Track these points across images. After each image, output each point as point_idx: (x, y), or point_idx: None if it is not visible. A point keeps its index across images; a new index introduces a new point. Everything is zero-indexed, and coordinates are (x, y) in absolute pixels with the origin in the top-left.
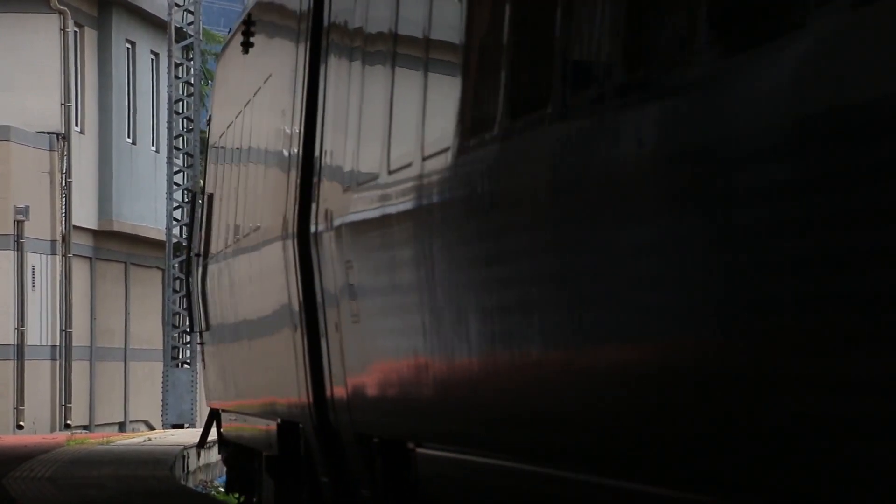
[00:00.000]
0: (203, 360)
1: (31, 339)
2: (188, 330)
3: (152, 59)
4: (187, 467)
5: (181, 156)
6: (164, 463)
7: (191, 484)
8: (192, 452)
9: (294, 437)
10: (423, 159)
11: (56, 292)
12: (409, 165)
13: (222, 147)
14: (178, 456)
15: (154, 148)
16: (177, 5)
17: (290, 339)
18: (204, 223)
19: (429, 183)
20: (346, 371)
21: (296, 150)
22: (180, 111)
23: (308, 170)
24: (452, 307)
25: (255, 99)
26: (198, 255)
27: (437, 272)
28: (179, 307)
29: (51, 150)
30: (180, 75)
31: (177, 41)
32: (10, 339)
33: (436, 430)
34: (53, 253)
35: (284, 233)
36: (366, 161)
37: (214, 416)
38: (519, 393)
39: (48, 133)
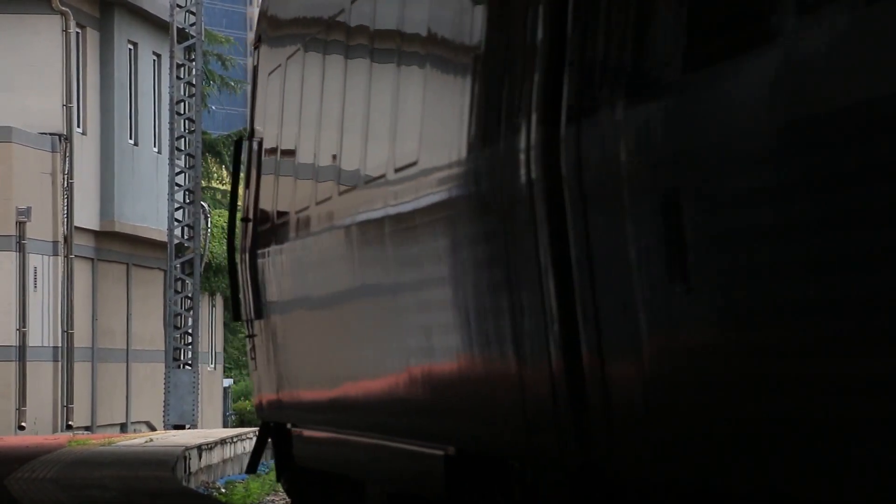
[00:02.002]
0: (252, 356)
1: (33, 340)
2: (233, 318)
3: (154, 60)
4: (189, 468)
5: (183, 157)
6: (166, 464)
7: (193, 485)
8: (194, 453)
9: (480, 474)
10: None
11: (58, 293)
12: None
13: (312, 58)
14: (180, 457)
15: (156, 149)
16: (179, 6)
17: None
18: (255, 179)
19: None
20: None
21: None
22: (182, 112)
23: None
24: None
25: None
26: (247, 221)
27: None
28: (181, 308)
29: (52, 150)
30: (182, 76)
31: (179, 42)
32: (12, 340)
33: None
34: (55, 254)
35: (506, 165)
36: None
37: (270, 431)
38: None
39: (50, 134)
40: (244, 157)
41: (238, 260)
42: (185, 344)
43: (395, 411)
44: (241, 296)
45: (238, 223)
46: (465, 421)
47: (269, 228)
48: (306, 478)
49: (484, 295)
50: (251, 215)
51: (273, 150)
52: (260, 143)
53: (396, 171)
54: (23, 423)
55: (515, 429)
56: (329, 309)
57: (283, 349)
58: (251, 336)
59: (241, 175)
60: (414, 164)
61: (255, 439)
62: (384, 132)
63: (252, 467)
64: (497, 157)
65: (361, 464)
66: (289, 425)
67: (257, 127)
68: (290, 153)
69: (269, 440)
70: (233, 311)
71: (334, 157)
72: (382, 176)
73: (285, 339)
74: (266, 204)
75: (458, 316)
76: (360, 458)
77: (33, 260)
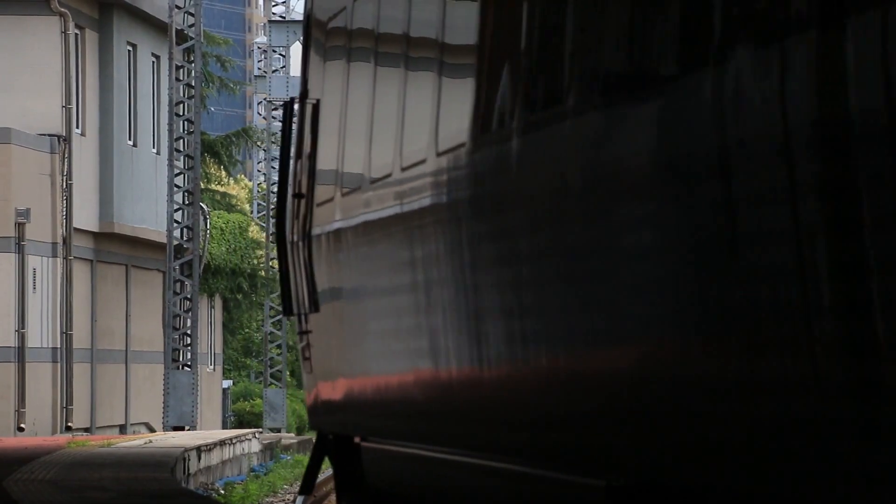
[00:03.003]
0: (307, 355)
1: (32, 341)
2: (282, 312)
3: (153, 62)
4: (188, 469)
5: (182, 158)
6: (165, 465)
7: (192, 486)
8: (193, 455)
9: None
10: None
11: (57, 294)
12: None
13: None
14: (179, 458)
15: (155, 150)
16: (178, 7)
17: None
18: (310, 146)
19: None
20: None
21: None
22: (181, 113)
23: None
24: None
25: None
26: (300, 197)
27: None
28: (180, 309)
29: (52, 152)
30: (181, 77)
31: (178, 43)
32: (11, 341)
33: None
34: (54, 255)
35: None
36: None
37: (329, 445)
38: None
39: (49, 135)
40: (291, 129)
41: (289, 244)
42: (184, 345)
43: (528, 428)
44: (292, 286)
45: (289, 202)
46: (639, 444)
47: (331, 204)
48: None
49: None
50: (306, 190)
51: (337, 109)
52: (317, 104)
53: (529, 116)
54: (22, 425)
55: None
56: (427, 297)
57: (356, 346)
58: (305, 332)
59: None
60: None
61: (254, 440)
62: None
63: (307, 488)
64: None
65: (472, 493)
66: (357, 438)
67: (313, 85)
68: (362, 110)
69: (326, 456)
70: (283, 303)
71: (430, 108)
72: (506, 125)
73: (359, 335)
74: (327, 175)
75: (639, 307)
76: (469, 485)
77: (32, 261)
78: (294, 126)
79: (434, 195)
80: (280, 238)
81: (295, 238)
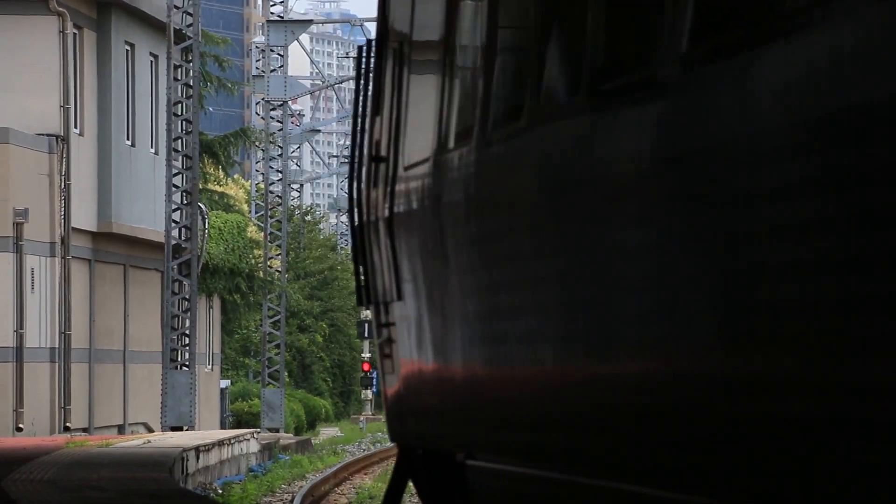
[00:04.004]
0: (387, 352)
1: (31, 341)
2: (357, 303)
3: (151, 61)
4: (186, 469)
5: (180, 158)
6: (164, 465)
7: (190, 486)
8: (191, 455)
9: None
10: None
11: (55, 294)
12: None
13: None
14: (178, 458)
15: (153, 150)
16: (176, 7)
17: None
18: (393, 99)
19: None
20: None
21: None
22: (179, 113)
23: None
24: None
25: None
26: (379, 161)
27: None
28: (178, 309)
29: (50, 152)
30: (179, 77)
31: (176, 43)
32: (10, 341)
33: None
34: (52, 255)
35: None
36: None
37: (417, 465)
38: None
39: (47, 135)
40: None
41: (364, 218)
42: (182, 345)
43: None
44: (369, 270)
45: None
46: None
47: (427, 166)
48: None
49: None
50: (389, 152)
51: (431, 49)
52: (400, 47)
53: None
54: (20, 425)
55: None
56: (589, 282)
57: (467, 341)
58: (386, 325)
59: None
60: None
61: (252, 441)
62: None
63: None
64: None
65: None
66: (460, 455)
67: (396, 24)
68: (470, 49)
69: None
70: (357, 291)
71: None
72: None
73: (472, 328)
74: (420, 132)
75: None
76: None
77: (31, 261)
78: (370, 76)
79: (576, 149)
80: (352, 215)
81: (372, 212)
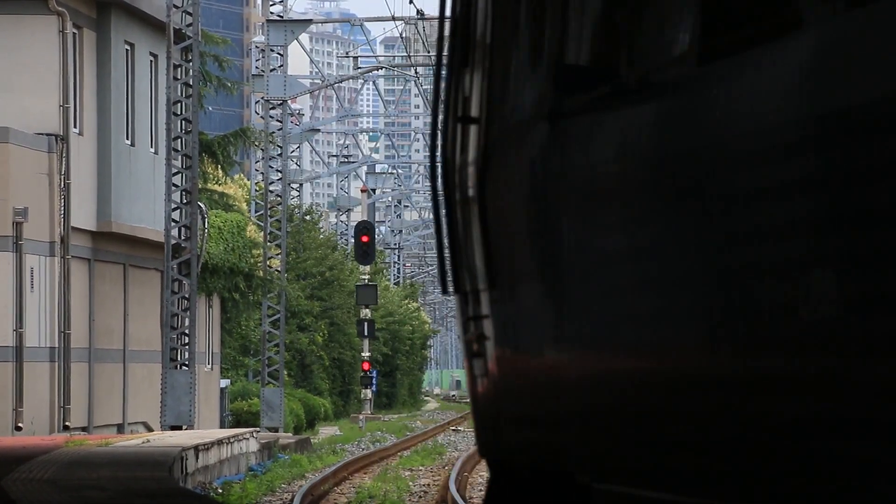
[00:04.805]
0: (477, 349)
1: (30, 340)
2: (443, 291)
3: (151, 61)
4: (186, 469)
5: (180, 157)
6: (163, 464)
7: (189, 485)
8: (191, 454)
9: None
10: None
11: (55, 294)
12: None
13: None
14: (177, 457)
15: (152, 149)
16: (175, 7)
17: None
18: (488, 45)
19: None
20: None
21: None
22: (179, 113)
23: None
24: None
25: None
26: (469, 122)
27: None
28: (178, 308)
29: (49, 151)
30: (179, 77)
31: (175, 43)
32: (9, 340)
33: None
34: (52, 254)
35: None
36: None
37: (523, 488)
38: None
39: (47, 135)
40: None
41: (454, 192)
42: (181, 344)
43: None
44: (457, 252)
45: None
46: None
47: (537, 128)
48: None
49: None
50: (482, 111)
51: None
52: None
53: None
54: (20, 424)
55: None
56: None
57: (597, 336)
58: (477, 318)
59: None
60: None
61: (251, 440)
62: None
63: None
64: None
65: None
66: (583, 476)
67: None
68: None
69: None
70: (440, 278)
71: None
72: None
73: (606, 321)
74: (528, 84)
75: None
76: None
77: (30, 260)
78: (455, 16)
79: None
80: (434, 186)
81: (460, 183)
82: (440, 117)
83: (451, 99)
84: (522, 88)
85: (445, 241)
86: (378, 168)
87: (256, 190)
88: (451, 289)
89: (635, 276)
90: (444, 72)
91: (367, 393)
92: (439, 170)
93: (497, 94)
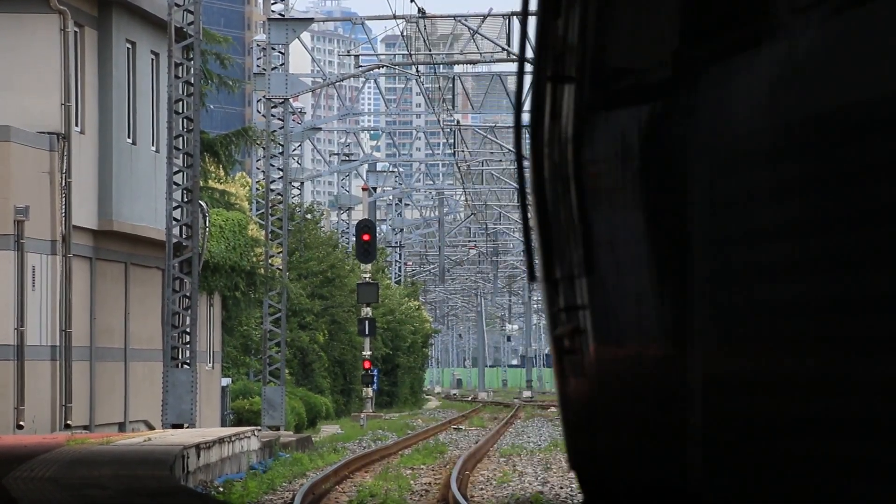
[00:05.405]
0: (571, 346)
1: (31, 339)
2: (529, 279)
3: (152, 59)
4: (187, 467)
5: (181, 156)
6: (164, 463)
7: (191, 484)
8: (192, 452)
9: None
10: None
11: (56, 292)
12: None
13: None
14: (178, 456)
15: (154, 148)
16: (177, 5)
17: None
18: None
19: None
20: None
21: None
22: (180, 111)
23: None
24: None
25: None
26: (561, 83)
27: None
28: (179, 307)
29: (51, 150)
30: (180, 75)
31: (177, 41)
32: (10, 339)
33: None
34: (53, 253)
35: None
36: None
37: None
38: None
39: (48, 133)
40: None
41: (542, 164)
42: (183, 343)
43: None
44: (546, 233)
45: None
46: None
47: (657, 84)
48: None
49: None
50: (581, 68)
51: None
52: None
53: None
54: (21, 422)
55: None
56: None
57: (736, 326)
58: (571, 309)
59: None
60: None
61: (253, 438)
62: None
63: None
64: None
65: None
66: (712, 500)
67: None
68: None
69: None
70: (527, 264)
71: None
72: None
73: (750, 307)
74: (640, 32)
75: None
76: None
77: (31, 259)
78: None
79: None
80: (520, 156)
81: (551, 155)
82: (525, 79)
83: (541, 55)
84: (639, 35)
85: (531, 221)
86: (379, 166)
87: (258, 188)
88: (537, 276)
89: (796, 257)
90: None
91: (369, 391)
92: (525, 139)
93: (601, 45)
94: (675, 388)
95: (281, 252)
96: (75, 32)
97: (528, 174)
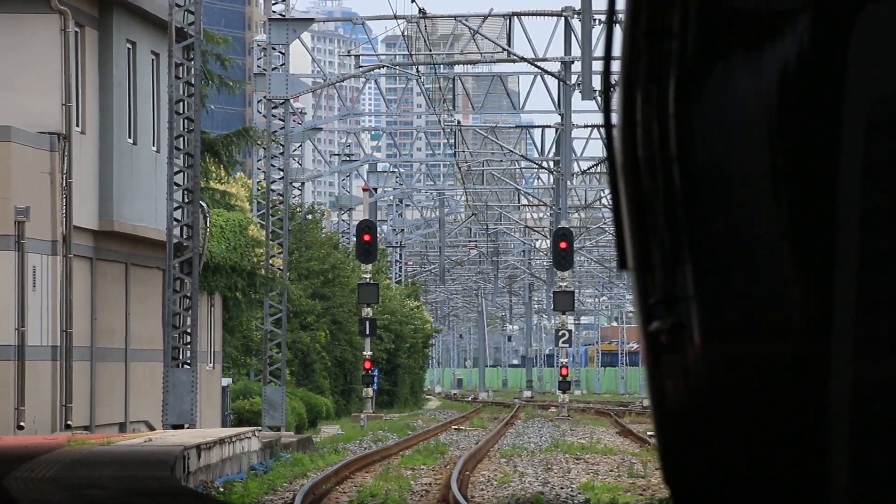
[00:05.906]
0: (670, 342)
1: (32, 339)
2: (619, 266)
3: (153, 60)
4: (188, 468)
5: (182, 156)
6: (165, 463)
7: (191, 484)
8: (193, 453)
9: None
10: None
11: (56, 293)
12: None
13: None
14: (179, 456)
15: (154, 148)
16: (177, 5)
17: None
18: None
19: None
20: None
21: None
22: (181, 111)
23: None
24: None
25: None
26: (660, 39)
27: None
28: (180, 307)
29: (51, 150)
30: (181, 75)
31: (177, 41)
32: (11, 339)
33: None
34: (54, 253)
35: None
36: None
37: None
38: None
39: (49, 133)
40: None
41: (635, 131)
42: (183, 343)
43: None
44: (640, 212)
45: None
46: None
47: (785, 24)
48: None
49: None
50: (687, 21)
51: None
52: None
53: None
54: (22, 423)
55: None
56: None
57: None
58: (670, 302)
59: None
60: None
61: (253, 439)
62: None
63: None
64: None
65: None
66: None
67: None
68: None
69: None
70: (617, 249)
71: None
72: None
73: None
74: None
75: None
76: None
77: (32, 259)
78: None
79: None
80: (609, 128)
81: (647, 125)
82: (615, 37)
83: (634, 8)
84: None
85: (622, 199)
86: (380, 167)
87: (258, 189)
88: (628, 263)
89: None
90: None
91: (369, 392)
92: (614, 103)
93: None
94: (814, 395)
95: (281, 252)
96: (76, 32)
97: (617, 149)
